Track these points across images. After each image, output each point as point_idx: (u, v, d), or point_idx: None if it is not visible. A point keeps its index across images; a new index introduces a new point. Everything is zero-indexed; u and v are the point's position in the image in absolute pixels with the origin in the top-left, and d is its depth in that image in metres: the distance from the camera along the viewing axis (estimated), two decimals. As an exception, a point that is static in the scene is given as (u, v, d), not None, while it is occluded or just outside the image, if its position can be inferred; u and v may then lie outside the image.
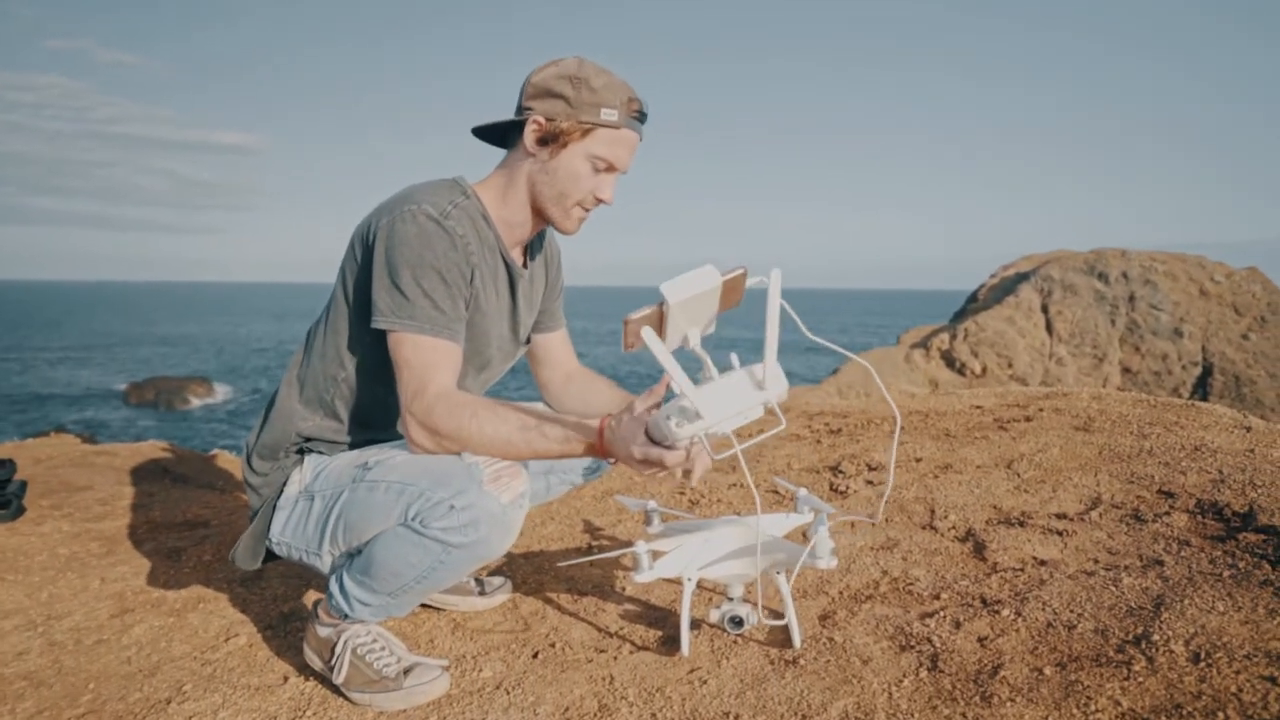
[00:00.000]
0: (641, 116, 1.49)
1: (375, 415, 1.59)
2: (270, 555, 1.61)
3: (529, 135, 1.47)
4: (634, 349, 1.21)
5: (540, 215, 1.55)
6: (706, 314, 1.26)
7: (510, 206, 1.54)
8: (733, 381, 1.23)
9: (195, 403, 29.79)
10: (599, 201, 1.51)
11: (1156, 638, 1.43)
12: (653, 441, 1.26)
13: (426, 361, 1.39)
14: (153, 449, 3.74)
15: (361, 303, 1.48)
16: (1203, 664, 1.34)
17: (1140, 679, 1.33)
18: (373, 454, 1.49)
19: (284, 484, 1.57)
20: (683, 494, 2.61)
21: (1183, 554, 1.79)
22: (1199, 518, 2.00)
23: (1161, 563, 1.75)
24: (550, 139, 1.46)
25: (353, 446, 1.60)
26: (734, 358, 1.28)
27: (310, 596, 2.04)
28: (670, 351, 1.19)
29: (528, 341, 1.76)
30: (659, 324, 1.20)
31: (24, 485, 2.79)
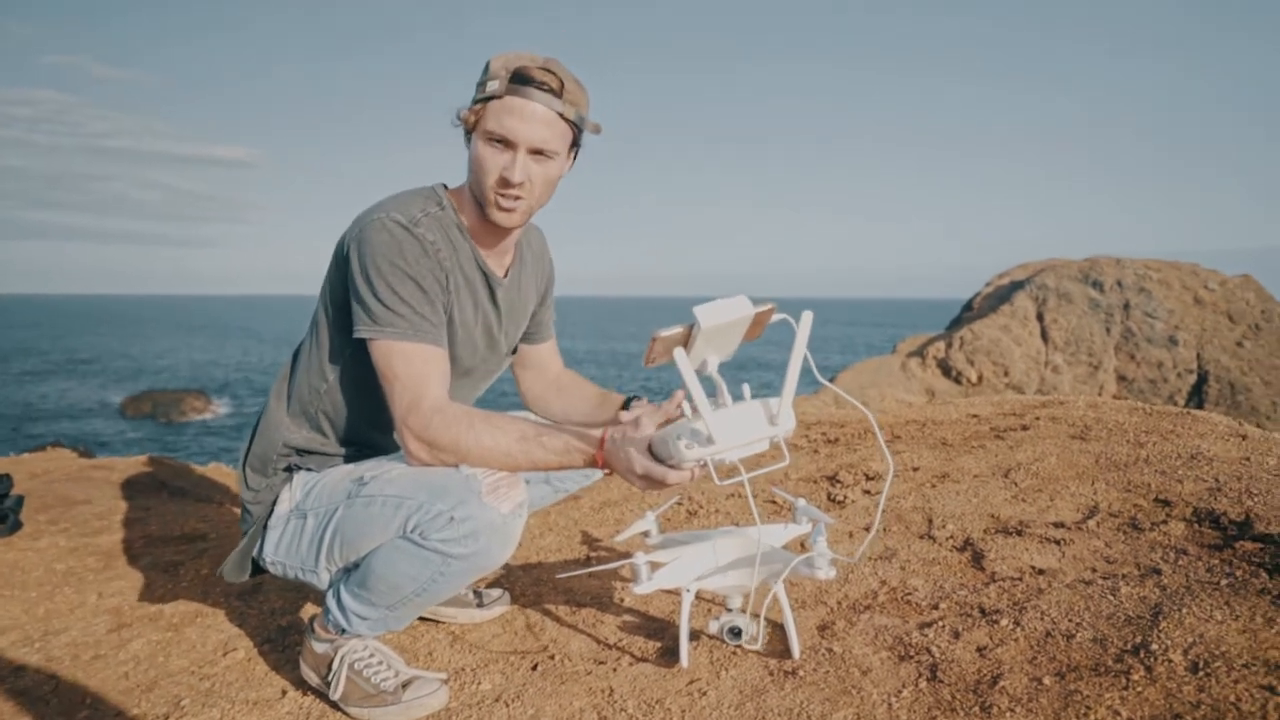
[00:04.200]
0: (520, 77, 1.36)
1: (359, 427, 1.59)
2: (258, 569, 1.60)
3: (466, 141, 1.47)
4: (655, 364, 1.21)
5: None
6: (730, 342, 1.26)
7: (471, 213, 1.51)
8: (747, 411, 1.22)
9: (192, 416, 29.71)
10: (507, 183, 1.40)
11: (1155, 647, 1.43)
12: (656, 459, 1.26)
13: (416, 372, 1.38)
14: (149, 463, 3.73)
15: (340, 314, 1.48)
16: (1201, 673, 1.34)
17: (1139, 689, 1.33)
18: (368, 468, 1.48)
19: (274, 503, 1.56)
20: (680, 504, 2.61)
21: (1180, 563, 1.79)
22: (1196, 526, 2.00)
23: (1159, 571, 1.76)
24: (467, 136, 1.45)
25: (343, 460, 1.60)
26: (746, 388, 1.28)
27: (308, 610, 2.03)
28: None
29: (514, 351, 1.75)
30: (685, 345, 1.20)
31: (21, 500, 2.78)
